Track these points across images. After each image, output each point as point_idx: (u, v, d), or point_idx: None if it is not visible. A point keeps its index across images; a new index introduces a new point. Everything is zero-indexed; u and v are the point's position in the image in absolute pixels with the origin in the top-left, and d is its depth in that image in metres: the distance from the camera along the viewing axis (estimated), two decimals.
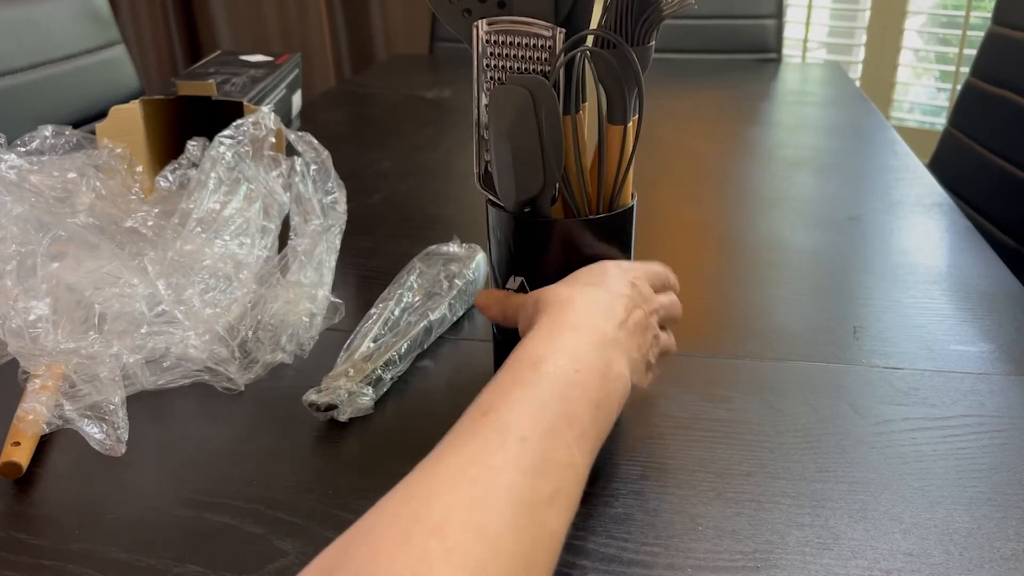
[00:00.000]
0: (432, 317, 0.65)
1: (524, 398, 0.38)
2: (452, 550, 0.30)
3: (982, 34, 1.33)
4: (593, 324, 0.44)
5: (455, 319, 0.68)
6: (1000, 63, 1.26)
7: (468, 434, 0.36)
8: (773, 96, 1.52)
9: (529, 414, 0.37)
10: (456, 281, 0.69)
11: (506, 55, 0.50)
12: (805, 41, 2.46)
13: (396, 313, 0.65)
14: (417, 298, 0.67)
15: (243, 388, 0.60)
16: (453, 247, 0.74)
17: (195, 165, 0.69)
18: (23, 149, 0.70)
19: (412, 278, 0.69)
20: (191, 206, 0.65)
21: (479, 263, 0.72)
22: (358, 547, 0.31)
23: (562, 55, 0.47)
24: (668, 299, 0.53)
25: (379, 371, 0.59)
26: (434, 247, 0.74)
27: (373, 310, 0.65)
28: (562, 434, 0.38)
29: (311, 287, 0.65)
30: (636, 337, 0.47)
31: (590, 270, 0.50)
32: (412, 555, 0.30)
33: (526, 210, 0.52)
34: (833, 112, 1.39)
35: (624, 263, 0.52)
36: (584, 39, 0.48)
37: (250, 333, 0.62)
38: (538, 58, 0.49)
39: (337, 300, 0.68)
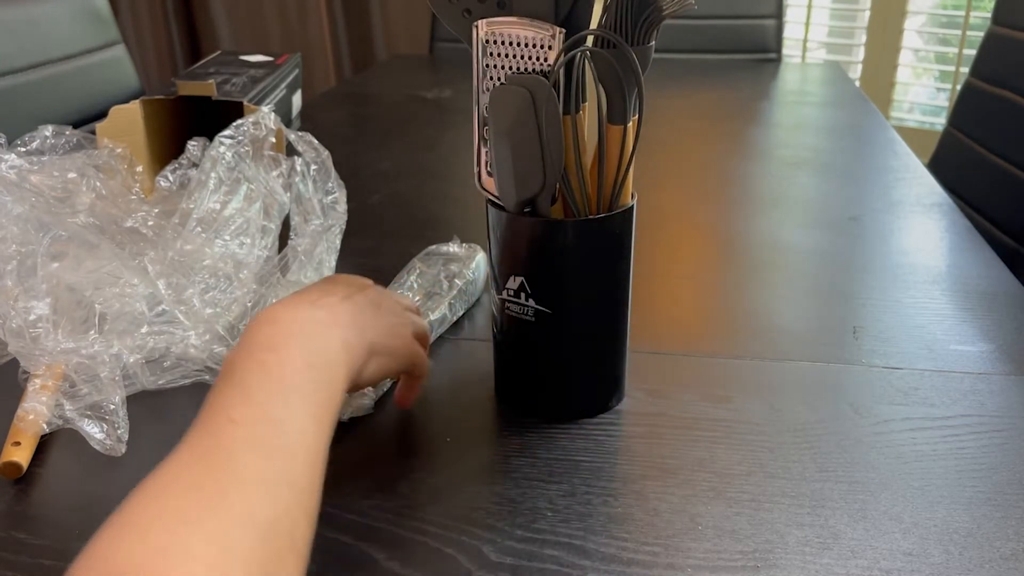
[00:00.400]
0: (432, 317, 0.65)
1: (227, 386, 0.40)
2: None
3: (982, 34, 1.33)
4: (287, 303, 0.46)
5: (455, 319, 0.68)
6: (1000, 63, 1.26)
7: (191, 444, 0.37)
8: (773, 96, 1.52)
9: (235, 397, 0.39)
10: (456, 281, 0.69)
11: (506, 55, 0.50)
12: (805, 41, 2.46)
13: None
14: (417, 298, 0.67)
15: None
16: (453, 247, 0.74)
17: (195, 165, 0.69)
18: (23, 149, 0.70)
19: (412, 278, 0.69)
20: (191, 206, 0.65)
21: (479, 263, 0.72)
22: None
23: (562, 55, 0.47)
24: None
25: None
26: (434, 247, 0.74)
27: None
28: (275, 403, 0.40)
29: None
30: (351, 300, 0.49)
31: None
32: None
33: (526, 210, 0.52)
34: (833, 112, 1.39)
35: None
36: (584, 39, 0.48)
37: None
38: (538, 58, 0.49)
39: None
